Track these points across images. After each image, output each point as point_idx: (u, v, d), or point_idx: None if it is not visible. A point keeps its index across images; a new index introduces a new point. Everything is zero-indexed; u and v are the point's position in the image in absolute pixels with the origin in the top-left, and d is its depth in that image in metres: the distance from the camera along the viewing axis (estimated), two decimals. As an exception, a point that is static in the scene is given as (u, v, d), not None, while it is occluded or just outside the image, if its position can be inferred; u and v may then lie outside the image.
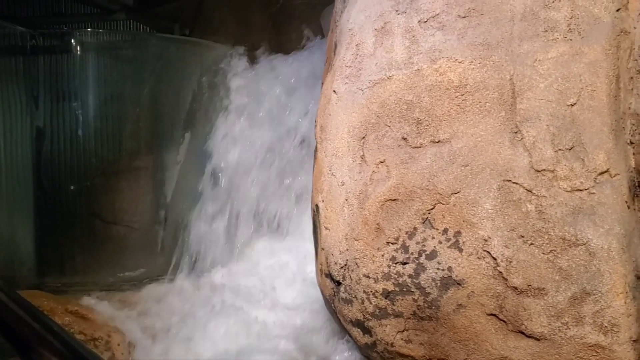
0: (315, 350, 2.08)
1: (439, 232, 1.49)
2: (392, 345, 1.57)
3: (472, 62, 1.51)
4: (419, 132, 1.54)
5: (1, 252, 2.59)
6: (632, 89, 1.51)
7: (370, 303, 1.57)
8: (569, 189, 1.40)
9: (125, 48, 2.74)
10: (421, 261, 1.50)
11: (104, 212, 2.77)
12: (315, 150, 1.89)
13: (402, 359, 1.57)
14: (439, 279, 1.48)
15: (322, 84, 2.24)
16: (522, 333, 1.41)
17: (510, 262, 1.42)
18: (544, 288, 1.39)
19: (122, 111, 2.73)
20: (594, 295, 1.35)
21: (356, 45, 1.72)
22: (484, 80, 1.50)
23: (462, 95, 1.51)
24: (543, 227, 1.40)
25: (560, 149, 1.42)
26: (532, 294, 1.40)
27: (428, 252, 1.49)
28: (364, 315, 1.60)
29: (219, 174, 2.81)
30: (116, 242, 2.75)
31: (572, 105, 1.44)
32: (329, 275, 1.68)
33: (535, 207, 1.42)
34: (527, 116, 1.45)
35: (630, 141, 1.50)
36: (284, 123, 2.83)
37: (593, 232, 1.38)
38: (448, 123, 1.51)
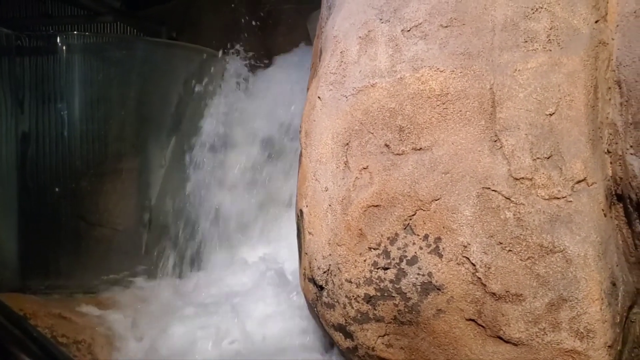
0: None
1: (420, 238, 1.51)
2: (373, 349, 1.59)
3: (453, 71, 1.54)
4: (401, 140, 1.56)
5: (-16, 254, 2.58)
6: (609, 99, 1.55)
7: (352, 308, 1.59)
8: (547, 197, 1.43)
9: (112, 51, 2.74)
10: (402, 266, 1.52)
11: (89, 214, 2.77)
12: (300, 155, 1.91)
13: (383, 363, 1.59)
14: (419, 284, 1.50)
15: (308, 89, 2.26)
16: (501, 338, 1.44)
17: (489, 268, 1.44)
18: (521, 294, 1.42)
19: (107, 113, 2.73)
20: (571, 301, 1.38)
21: (341, 52, 1.74)
22: (465, 89, 1.52)
23: (443, 103, 1.53)
24: (521, 234, 1.43)
25: (538, 158, 1.45)
26: (510, 299, 1.42)
27: (409, 258, 1.52)
28: (345, 320, 1.61)
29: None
30: (100, 244, 2.74)
31: (550, 114, 1.47)
32: (312, 280, 1.70)
33: (514, 215, 1.44)
34: (506, 125, 1.48)
35: (607, 150, 1.53)
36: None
37: (570, 239, 1.40)
38: (429, 131, 1.54)
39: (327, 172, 1.68)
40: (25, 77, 2.64)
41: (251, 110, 3.04)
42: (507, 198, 1.45)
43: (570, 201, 1.43)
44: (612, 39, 1.56)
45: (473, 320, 1.46)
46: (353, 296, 1.58)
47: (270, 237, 2.78)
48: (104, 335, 2.12)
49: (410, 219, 1.52)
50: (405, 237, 1.52)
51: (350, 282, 1.58)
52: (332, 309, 1.65)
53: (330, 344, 1.98)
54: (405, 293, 1.52)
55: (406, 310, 1.52)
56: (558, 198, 1.43)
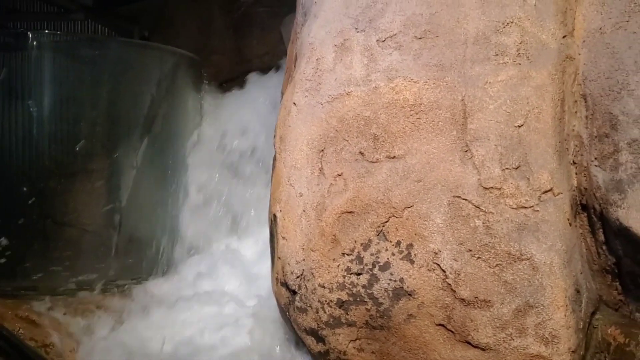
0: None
1: (393, 245, 1.54)
2: (344, 353, 1.62)
3: (426, 82, 1.58)
4: (375, 148, 1.59)
5: (-51, 255, 2.53)
6: (575, 112, 1.60)
7: (325, 312, 1.61)
8: (515, 206, 1.48)
9: (84, 50, 2.71)
10: (375, 272, 1.55)
11: (57, 214, 2.73)
12: (274, 160, 1.92)
13: (354, 367, 1.62)
14: (391, 289, 1.54)
15: (282, 94, 2.28)
16: (469, 343, 1.48)
17: (459, 274, 1.48)
18: (489, 300, 1.46)
19: (78, 113, 2.69)
20: (537, 308, 1.43)
21: (316, 59, 1.77)
22: (438, 100, 1.56)
23: (416, 113, 1.57)
24: (490, 242, 1.47)
25: (507, 168, 1.50)
26: (479, 305, 1.47)
27: (381, 264, 1.55)
28: (318, 324, 1.64)
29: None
30: (69, 245, 2.70)
31: (519, 126, 1.51)
32: (285, 284, 1.72)
33: (483, 223, 1.48)
34: (477, 136, 1.52)
35: (573, 161, 1.59)
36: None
37: (537, 247, 1.45)
38: (403, 140, 1.57)
39: (301, 178, 1.70)
40: (-8, 74, 2.60)
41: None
42: (477, 207, 1.49)
43: (537, 210, 1.48)
44: (579, 54, 1.62)
45: (443, 325, 1.50)
46: (326, 301, 1.61)
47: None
48: (74, 338, 2.10)
49: (384, 226, 1.55)
50: (378, 243, 1.55)
51: (324, 287, 1.61)
52: (304, 314, 1.67)
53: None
54: (377, 298, 1.55)
55: (378, 315, 1.55)
56: (525, 207, 1.48)
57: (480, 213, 1.49)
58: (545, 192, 1.49)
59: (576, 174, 1.59)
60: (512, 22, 1.57)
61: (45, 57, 2.64)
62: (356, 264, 1.57)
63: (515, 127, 1.51)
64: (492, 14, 1.58)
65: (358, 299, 1.57)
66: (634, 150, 1.44)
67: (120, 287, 2.60)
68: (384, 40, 1.65)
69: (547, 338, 1.42)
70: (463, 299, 1.48)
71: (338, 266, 1.59)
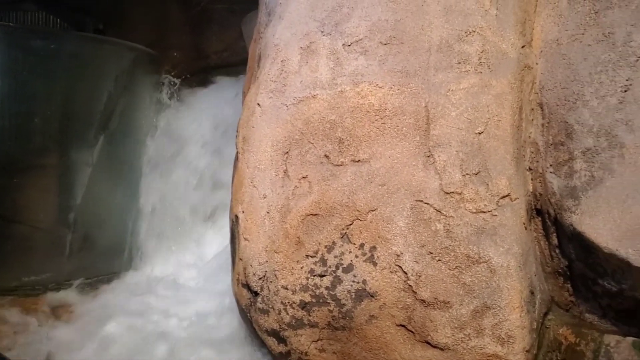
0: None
1: (356, 247, 1.57)
2: (306, 354, 1.63)
3: (391, 87, 1.61)
4: (340, 151, 1.61)
5: None
6: (532, 120, 1.66)
7: (287, 313, 1.62)
8: (474, 210, 1.53)
9: (38, 42, 2.63)
10: (338, 274, 1.57)
11: (6, 210, 2.65)
12: (236, 160, 1.92)
13: (316, 367, 1.64)
14: (353, 291, 1.56)
15: (244, 93, 2.27)
16: (428, 343, 1.51)
17: (420, 276, 1.52)
18: (449, 301, 1.50)
19: (30, 107, 2.62)
20: (494, 309, 1.48)
21: (282, 61, 1.77)
22: (402, 105, 1.59)
23: (381, 118, 1.60)
24: (450, 245, 1.51)
25: (467, 174, 1.54)
26: (439, 306, 1.51)
27: (345, 266, 1.57)
28: (280, 325, 1.65)
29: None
30: (19, 243, 2.63)
31: (479, 133, 1.56)
32: (246, 286, 1.72)
33: (444, 226, 1.52)
34: (439, 142, 1.56)
35: (529, 168, 1.65)
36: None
37: (494, 251, 1.50)
38: (368, 144, 1.60)
39: (265, 180, 1.70)
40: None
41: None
42: (438, 211, 1.53)
43: (496, 215, 1.52)
44: (536, 64, 1.68)
45: (403, 326, 1.54)
46: (288, 302, 1.62)
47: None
48: (28, 340, 2.04)
49: (347, 229, 1.58)
50: (342, 245, 1.58)
51: (286, 288, 1.62)
52: (266, 315, 1.67)
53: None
54: (340, 299, 1.57)
55: (340, 316, 1.57)
56: (484, 212, 1.53)
57: (441, 217, 1.53)
58: (503, 197, 1.54)
59: (532, 179, 1.64)
60: (474, 31, 1.62)
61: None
62: (320, 265, 1.59)
63: (476, 134, 1.56)
64: (455, 22, 1.62)
65: (321, 301, 1.59)
66: (588, 159, 1.50)
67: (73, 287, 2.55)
68: (349, 45, 1.67)
69: (503, 338, 1.47)
70: (423, 300, 1.51)
71: (301, 268, 1.60)
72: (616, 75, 1.49)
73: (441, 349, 1.51)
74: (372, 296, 1.55)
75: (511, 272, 1.49)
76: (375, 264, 1.55)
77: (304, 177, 1.64)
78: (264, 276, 1.66)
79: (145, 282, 2.58)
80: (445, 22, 1.63)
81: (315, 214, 1.60)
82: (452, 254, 1.51)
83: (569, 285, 1.62)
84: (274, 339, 1.69)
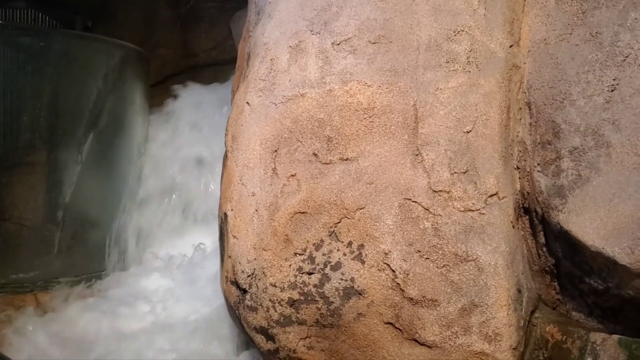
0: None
1: (344, 245, 1.57)
2: (294, 351, 1.63)
3: (380, 86, 1.61)
4: (329, 149, 1.62)
5: None
6: (520, 119, 1.67)
7: (276, 311, 1.62)
8: (462, 209, 1.53)
9: (27, 40, 2.62)
10: (326, 272, 1.58)
11: (-8, 207, 2.64)
12: (225, 158, 1.92)
13: (304, 365, 1.64)
14: (342, 288, 1.56)
15: (233, 91, 2.27)
16: (416, 341, 1.52)
17: (408, 274, 1.52)
18: (436, 299, 1.51)
19: (18, 105, 2.61)
20: (481, 307, 1.49)
21: (271, 59, 1.77)
22: (390, 104, 1.60)
23: (370, 117, 1.60)
24: (438, 243, 1.52)
25: (455, 172, 1.55)
26: (426, 304, 1.51)
27: (333, 264, 1.57)
28: (268, 323, 1.65)
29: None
30: (7, 240, 2.61)
31: (468, 132, 1.57)
32: (235, 283, 1.72)
33: (432, 225, 1.53)
34: (427, 140, 1.57)
35: (517, 166, 1.66)
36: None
37: (482, 249, 1.51)
38: (356, 142, 1.60)
39: (254, 178, 1.70)
40: None
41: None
42: (426, 209, 1.54)
43: (483, 213, 1.53)
44: (524, 63, 1.69)
45: (391, 323, 1.54)
46: (277, 300, 1.62)
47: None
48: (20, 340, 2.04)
49: (336, 226, 1.58)
50: (330, 243, 1.58)
51: (275, 286, 1.62)
52: (254, 312, 1.68)
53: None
54: (328, 297, 1.57)
55: (328, 313, 1.58)
56: (472, 210, 1.53)
57: (430, 215, 1.53)
58: (491, 195, 1.55)
59: (519, 178, 1.65)
60: (462, 31, 1.62)
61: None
62: (308, 263, 1.59)
63: (464, 132, 1.57)
64: (444, 21, 1.63)
65: (309, 298, 1.59)
66: (575, 158, 1.51)
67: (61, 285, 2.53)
68: (338, 44, 1.67)
69: (490, 336, 1.48)
70: (411, 298, 1.52)
71: (290, 266, 1.61)
72: (603, 75, 1.51)
73: (429, 347, 1.51)
74: (360, 294, 1.55)
75: (499, 271, 1.50)
76: (363, 262, 1.55)
77: (292, 176, 1.64)
78: (253, 274, 1.66)
79: (133, 280, 2.57)
80: (434, 21, 1.64)
81: (303, 212, 1.60)
82: (440, 252, 1.52)
83: (555, 283, 1.64)
84: (263, 337, 1.69)
